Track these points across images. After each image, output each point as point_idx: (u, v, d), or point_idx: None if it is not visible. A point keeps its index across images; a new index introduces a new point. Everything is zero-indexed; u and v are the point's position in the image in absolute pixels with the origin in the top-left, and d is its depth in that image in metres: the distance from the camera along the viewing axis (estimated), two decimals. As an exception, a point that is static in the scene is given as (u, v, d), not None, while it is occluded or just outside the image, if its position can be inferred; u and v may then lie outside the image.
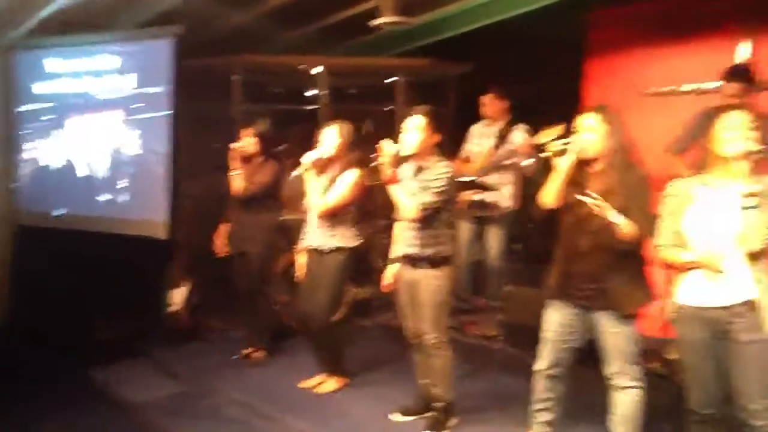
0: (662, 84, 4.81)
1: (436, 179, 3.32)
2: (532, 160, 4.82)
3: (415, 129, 3.35)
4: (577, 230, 2.86)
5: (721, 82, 4.08)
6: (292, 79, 5.82)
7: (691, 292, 2.63)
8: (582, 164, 2.85)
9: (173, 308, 5.21)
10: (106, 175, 5.63)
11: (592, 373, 3.11)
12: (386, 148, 3.27)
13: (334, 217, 3.87)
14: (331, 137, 3.89)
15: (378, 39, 6.17)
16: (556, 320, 2.99)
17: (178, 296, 5.22)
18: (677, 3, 4.77)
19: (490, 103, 5.22)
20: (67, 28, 5.33)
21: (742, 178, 2.48)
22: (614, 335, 2.86)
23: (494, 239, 5.20)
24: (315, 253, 3.97)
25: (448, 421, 3.53)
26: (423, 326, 3.45)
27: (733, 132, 2.51)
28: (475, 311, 5.32)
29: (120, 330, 5.06)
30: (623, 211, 2.67)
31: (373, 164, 3.35)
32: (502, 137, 5.13)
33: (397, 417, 3.67)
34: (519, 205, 5.09)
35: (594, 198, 2.68)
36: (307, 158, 3.79)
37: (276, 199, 4.61)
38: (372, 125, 6.07)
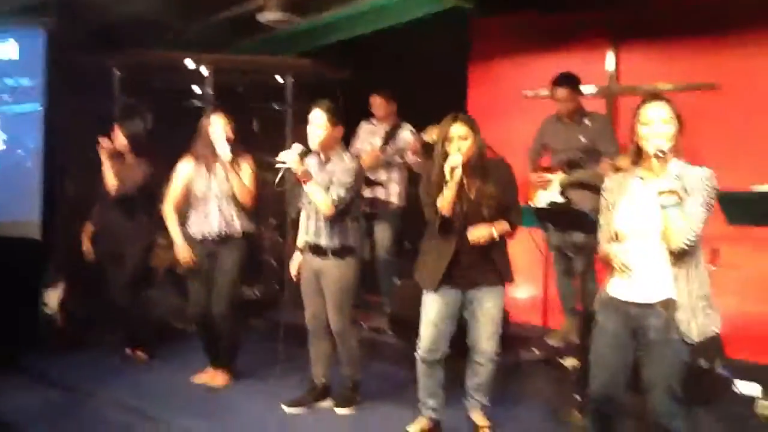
0: (539, 88, 5.11)
1: (346, 173, 3.46)
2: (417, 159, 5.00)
3: (318, 123, 3.47)
4: (460, 226, 3.14)
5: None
6: (178, 75, 5.67)
7: (615, 285, 2.62)
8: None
9: (48, 310, 4.93)
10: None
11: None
12: (287, 155, 3.37)
13: (239, 206, 3.93)
14: (225, 127, 3.89)
15: (271, 39, 6.15)
16: (434, 306, 3.21)
17: (53, 297, 4.95)
18: (551, 14, 5.08)
19: (379, 103, 5.34)
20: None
21: (661, 174, 2.45)
22: (495, 308, 3.20)
23: (383, 234, 5.31)
24: (216, 242, 3.93)
25: (357, 397, 3.75)
26: (329, 314, 3.57)
27: (648, 127, 2.48)
28: (365, 306, 5.41)
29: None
30: (503, 207, 3.10)
31: (277, 167, 3.40)
32: (390, 136, 5.27)
33: (290, 409, 3.70)
34: (407, 202, 5.23)
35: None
36: (224, 151, 3.80)
37: (153, 198, 4.45)
38: (259, 124, 6.03)
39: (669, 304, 2.45)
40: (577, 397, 3.49)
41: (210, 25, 5.69)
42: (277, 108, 5.81)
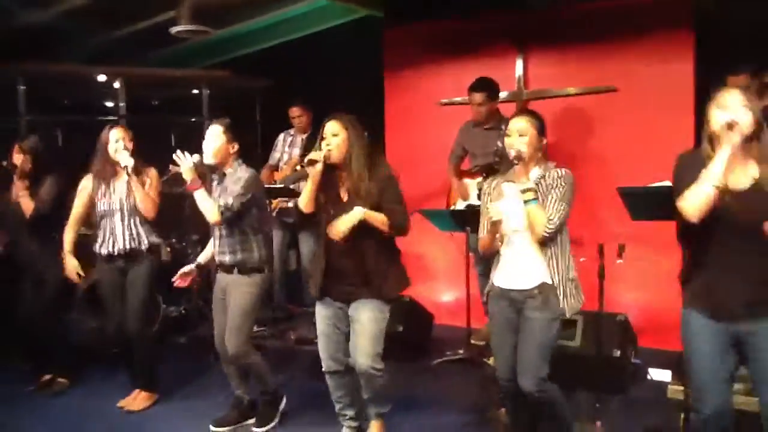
0: (452, 95, 5.25)
1: (236, 183, 3.42)
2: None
3: (213, 138, 3.44)
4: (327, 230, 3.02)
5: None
6: (88, 89, 5.50)
7: (498, 275, 2.92)
8: (335, 169, 3.04)
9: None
10: None
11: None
12: (184, 158, 3.35)
13: (143, 219, 3.84)
14: (125, 139, 3.81)
15: (185, 51, 6.07)
16: (321, 317, 3.16)
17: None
18: (462, 22, 5.26)
19: (297, 114, 5.36)
20: None
21: (524, 177, 2.80)
22: (371, 323, 3.03)
23: (306, 245, 5.32)
24: (123, 258, 3.84)
25: (275, 413, 3.64)
26: (226, 333, 3.45)
27: (510, 138, 2.84)
28: (291, 318, 5.40)
29: None
30: (377, 206, 2.96)
31: (171, 172, 3.39)
32: (308, 146, 5.28)
33: (216, 429, 3.61)
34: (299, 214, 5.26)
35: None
36: (127, 162, 3.70)
37: (61, 216, 4.28)
38: (176, 137, 5.92)
39: (544, 287, 2.79)
40: (502, 394, 3.59)
41: (122, 37, 5.56)
42: (194, 120, 5.73)
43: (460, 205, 4.71)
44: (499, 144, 4.56)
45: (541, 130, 2.88)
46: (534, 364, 2.78)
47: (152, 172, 3.90)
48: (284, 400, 3.72)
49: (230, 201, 3.37)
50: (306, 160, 2.99)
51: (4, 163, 4.17)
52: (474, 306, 4.46)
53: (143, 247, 3.85)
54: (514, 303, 2.85)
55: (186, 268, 3.63)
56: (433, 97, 5.43)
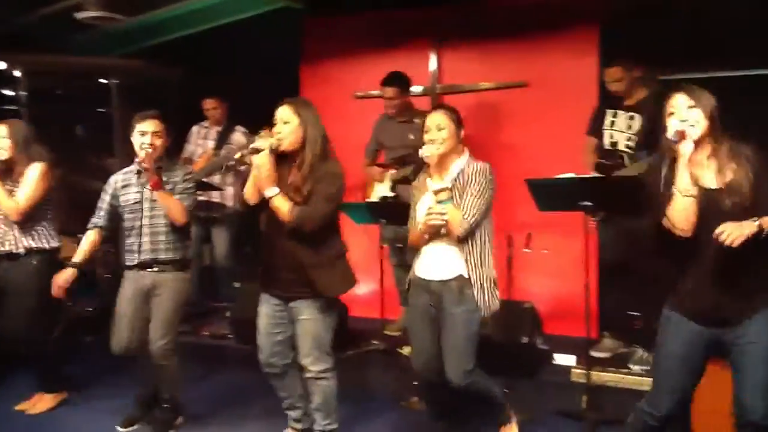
0: (367, 88, 5.27)
1: (186, 182, 3.39)
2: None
3: (154, 134, 3.33)
4: (273, 223, 2.93)
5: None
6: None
7: (420, 267, 2.96)
8: (286, 158, 2.91)
9: None
10: None
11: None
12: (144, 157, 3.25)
13: (29, 218, 3.66)
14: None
15: (95, 39, 5.83)
16: (262, 314, 3.08)
17: None
18: (379, 16, 5.29)
19: (211, 106, 5.26)
20: None
21: (443, 173, 2.83)
22: (311, 323, 2.95)
23: (220, 239, 5.24)
24: (6, 260, 3.67)
25: (174, 421, 3.55)
26: (156, 331, 3.35)
27: (429, 133, 2.87)
28: (205, 313, 5.30)
29: None
30: (308, 198, 2.84)
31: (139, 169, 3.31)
32: (223, 138, 5.22)
33: (123, 429, 3.54)
34: (243, 205, 5.18)
35: None
36: None
37: None
38: (83, 129, 5.70)
39: (461, 279, 2.83)
40: (416, 383, 3.66)
41: (25, 23, 5.29)
42: (102, 111, 5.53)
43: (376, 198, 4.75)
44: (412, 137, 4.67)
45: (459, 123, 2.92)
46: (459, 358, 2.82)
47: (31, 168, 3.65)
48: (180, 419, 3.60)
49: (190, 202, 3.39)
50: (250, 147, 2.82)
51: None
52: (388, 297, 4.52)
53: (20, 250, 3.66)
54: (432, 294, 2.89)
55: (63, 274, 3.46)
56: (350, 89, 5.44)
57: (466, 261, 2.82)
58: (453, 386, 2.85)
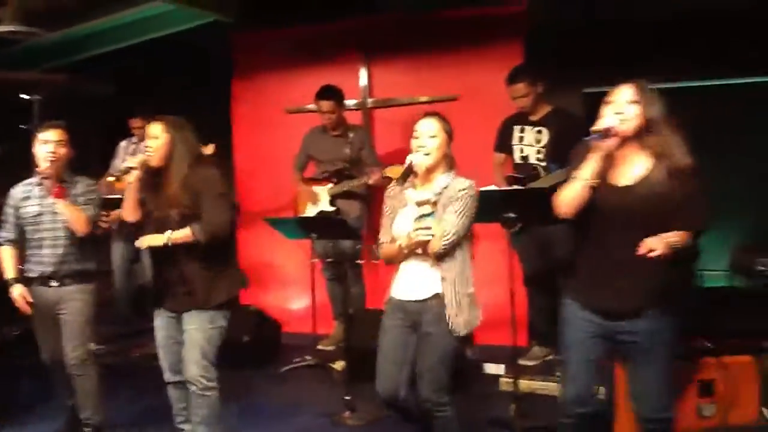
0: (299, 102, 5.27)
1: (91, 192, 3.38)
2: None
3: (58, 143, 3.27)
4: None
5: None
6: None
7: (397, 288, 2.82)
8: (160, 172, 2.93)
9: None
10: None
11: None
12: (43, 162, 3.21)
13: None
14: None
15: (19, 53, 5.67)
16: (158, 328, 3.06)
17: None
18: (309, 32, 5.31)
19: (138, 123, 5.18)
20: None
21: (427, 185, 2.72)
22: (197, 334, 2.92)
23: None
24: None
25: None
26: (69, 346, 3.30)
27: (416, 140, 2.72)
28: (136, 333, 5.17)
29: None
30: (195, 207, 2.85)
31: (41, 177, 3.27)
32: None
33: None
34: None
35: None
36: None
37: None
38: (3, 146, 5.50)
39: (437, 299, 2.69)
40: (347, 397, 3.65)
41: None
42: (23, 128, 5.34)
43: (310, 212, 4.73)
44: (347, 150, 4.68)
45: (450, 135, 2.77)
46: (435, 377, 2.69)
47: None
48: None
49: (93, 211, 3.34)
50: (123, 167, 2.90)
51: None
52: (320, 312, 4.52)
53: None
54: (410, 315, 2.76)
55: (21, 295, 3.33)
56: (281, 103, 5.44)
57: (444, 279, 2.69)
58: (425, 406, 2.73)
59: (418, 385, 2.74)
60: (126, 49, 5.55)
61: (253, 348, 4.34)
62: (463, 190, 2.68)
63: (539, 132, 4.14)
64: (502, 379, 3.84)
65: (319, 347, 4.56)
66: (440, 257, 2.66)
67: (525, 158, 4.19)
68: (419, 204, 2.67)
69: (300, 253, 4.78)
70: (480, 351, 4.04)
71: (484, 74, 4.83)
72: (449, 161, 2.79)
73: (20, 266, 3.40)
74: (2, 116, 5.53)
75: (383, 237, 2.87)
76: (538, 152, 4.14)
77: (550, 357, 4.22)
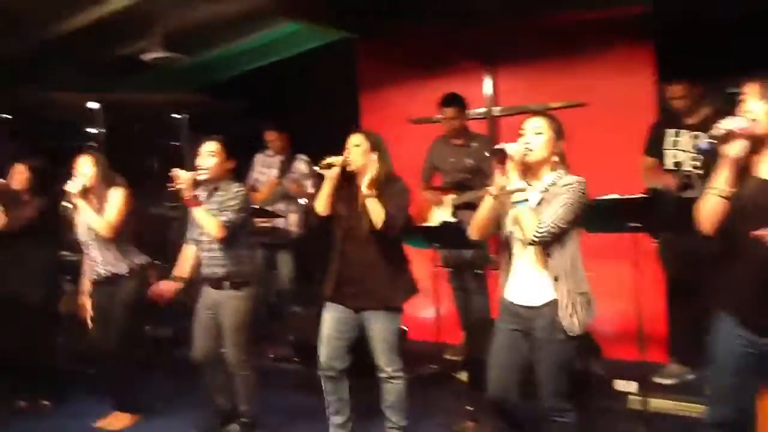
0: (423, 112, 5.33)
1: (233, 198, 3.54)
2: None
3: (209, 154, 3.54)
4: (345, 237, 3.26)
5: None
6: (70, 115, 5.63)
7: (508, 289, 2.80)
8: (353, 178, 3.23)
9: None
10: None
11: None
12: (182, 173, 3.44)
13: (112, 241, 3.89)
14: (85, 167, 3.89)
15: (164, 77, 6.19)
16: (329, 320, 3.30)
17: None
18: (430, 41, 5.35)
19: (273, 137, 5.45)
20: None
21: (535, 182, 2.70)
22: (380, 330, 3.23)
23: (284, 264, 5.41)
24: (108, 282, 3.94)
25: None
26: (225, 347, 3.58)
27: (524, 136, 2.71)
28: (269, 335, 5.46)
29: None
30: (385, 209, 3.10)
31: (171, 189, 3.47)
32: (286, 167, 5.38)
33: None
34: (306, 231, 5.35)
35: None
36: (73, 187, 3.77)
37: (49, 236, 4.41)
38: (158, 161, 6.04)
39: (551, 305, 2.64)
40: (469, 408, 3.65)
41: (101, 63, 5.67)
42: (174, 144, 5.83)
43: (435, 220, 4.77)
44: (470, 161, 4.67)
45: (559, 134, 2.75)
46: (554, 384, 2.71)
47: (112, 193, 3.92)
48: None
49: (231, 216, 3.48)
50: (323, 162, 3.14)
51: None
52: (445, 321, 4.53)
53: (119, 271, 3.92)
54: (521, 320, 2.74)
55: (168, 284, 3.70)
56: (406, 114, 5.51)
57: (557, 279, 2.63)
58: (546, 415, 2.75)
59: (539, 393, 2.73)
60: (260, 69, 5.90)
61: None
62: (569, 185, 2.64)
63: (696, 137, 3.83)
64: (631, 397, 3.67)
65: (447, 356, 4.56)
66: (547, 254, 2.63)
67: (678, 164, 3.94)
68: (509, 192, 2.63)
69: (425, 261, 4.81)
70: (607, 365, 3.90)
71: (612, 79, 4.66)
72: (560, 160, 2.75)
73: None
74: (156, 134, 6.08)
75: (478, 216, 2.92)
76: (694, 158, 3.86)
77: (689, 376, 3.97)
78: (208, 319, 3.62)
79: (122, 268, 3.94)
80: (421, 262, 5.01)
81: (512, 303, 2.77)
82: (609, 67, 4.68)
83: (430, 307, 4.71)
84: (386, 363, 3.27)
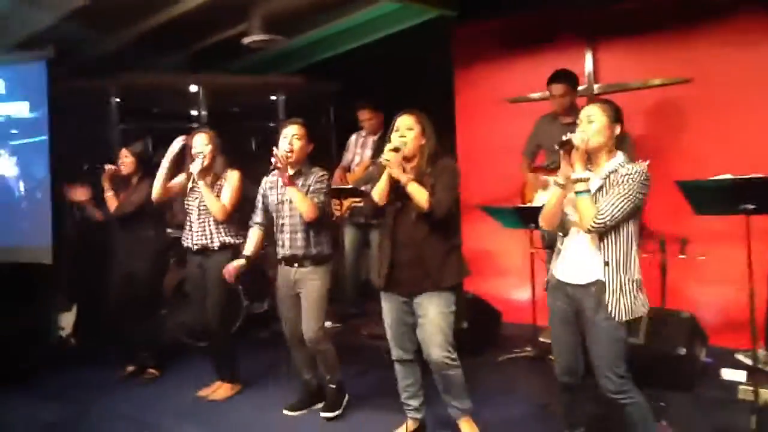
0: (520, 91, 5.22)
1: (320, 182, 3.62)
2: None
3: (294, 137, 3.60)
4: (396, 222, 3.16)
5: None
6: (174, 99, 5.86)
7: (558, 268, 2.85)
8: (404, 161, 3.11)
9: (63, 332, 5.12)
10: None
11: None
12: (281, 154, 3.50)
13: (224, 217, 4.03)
14: (202, 144, 4.02)
15: (262, 60, 6.35)
16: (388, 310, 3.26)
17: (67, 319, 5.14)
18: (529, 19, 5.23)
19: (365, 115, 5.48)
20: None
21: (595, 168, 2.71)
22: (433, 314, 3.11)
23: (377, 243, 5.42)
24: (200, 254, 4.08)
25: (342, 399, 3.81)
26: (304, 322, 3.64)
27: (581, 125, 2.73)
28: (363, 313, 5.53)
29: (4, 359, 4.91)
30: (432, 191, 3.01)
31: (271, 167, 3.54)
32: (380, 147, 5.38)
33: (289, 413, 3.84)
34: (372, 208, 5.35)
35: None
36: (195, 167, 3.92)
37: (157, 216, 4.64)
38: (256, 142, 6.20)
39: (598, 285, 2.68)
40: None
41: (201, 49, 5.88)
42: (271, 125, 5.97)
43: (538, 201, 4.66)
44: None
45: (615, 119, 2.74)
46: (609, 365, 2.69)
47: (230, 175, 4.07)
48: (347, 396, 3.86)
49: (322, 198, 3.59)
50: (389, 147, 3.03)
51: (108, 167, 4.58)
52: (541, 304, 4.45)
53: (214, 246, 4.05)
54: (570, 298, 2.79)
55: (236, 262, 3.82)
56: (503, 93, 5.41)
57: (607, 264, 2.67)
58: (607, 399, 2.74)
59: (596, 375, 2.74)
60: (354, 48, 5.93)
61: (471, 335, 4.41)
62: (629, 174, 2.63)
63: None
64: (741, 387, 3.49)
65: (541, 339, 4.49)
66: (602, 238, 2.65)
67: None
68: (574, 182, 2.64)
69: (521, 243, 4.75)
70: (715, 353, 3.74)
71: (720, 54, 4.40)
72: (619, 145, 2.78)
73: (262, 248, 3.83)
74: (254, 116, 6.24)
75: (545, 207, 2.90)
76: None
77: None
78: (290, 297, 3.72)
79: (214, 243, 4.06)
80: (517, 243, 4.99)
81: (559, 281, 2.82)
82: (717, 42, 4.41)
83: (525, 289, 4.66)
84: (441, 349, 3.11)
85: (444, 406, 3.31)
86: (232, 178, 4.07)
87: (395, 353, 3.32)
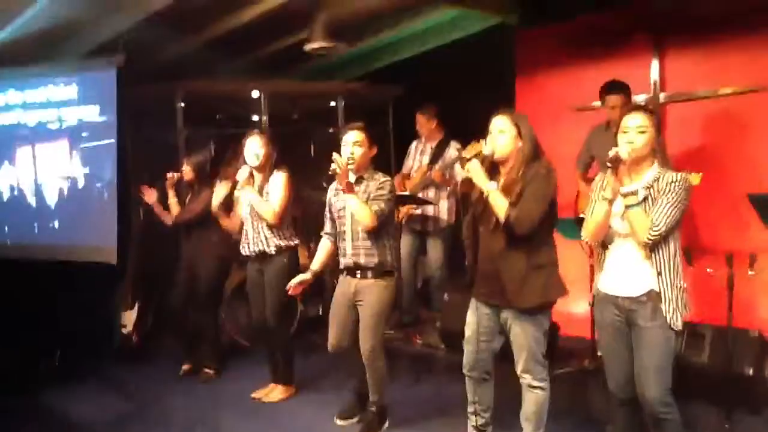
0: (584, 99, 5.11)
1: (381, 188, 3.50)
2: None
3: (354, 143, 3.54)
4: (480, 231, 3.03)
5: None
6: (237, 104, 5.97)
7: (605, 280, 2.81)
8: (496, 165, 2.98)
9: (125, 330, 5.29)
10: (54, 204, 5.72)
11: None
12: (340, 159, 3.43)
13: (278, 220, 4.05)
14: (257, 146, 4.06)
15: (324, 66, 6.43)
16: (471, 320, 3.14)
17: (129, 318, 5.31)
18: (593, 23, 5.11)
19: (422, 122, 5.47)
20: (8, 61, 5.40)
21: (636, 179, 2.68)
22: (518, 333, 2.97)
23: (435, 251, 5.42)
24: (258, 259, 4.13)
25: (381, 425, 3.71)
26: (362, 334, 3.55)
27: (622, 136, 2.70)
28: (419, 322, 5.51)
29: (70, 354, 5.10)
30: (519, 198, 2.84)
31: (330, 173, 3.48)
32: (437, 154, 5.39)
33: (340, 422, 3.83)
34: (457, 218, 5.32)
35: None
36: (241, 175, 3.99)
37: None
38: (315, 148, 6.26)
39: (653, 295, 2.67)
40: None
41: (263, 55, 5.98)
42: (331, 131, 6.02)
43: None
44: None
45: (658, 129, 2.76)
46: (658, 376, 2.66)
47: (277, 177, 4.08)
48: (387, 423, 3.74)
49: (382, 205, 3.45)
50: (465, 152, 2.93)
51: (170, 175, 4.71)
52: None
53: (271, 250, 4.10)
54: (621, 310, 2.74)
55: (300, 277, 3.76)
56: (565, 101, 5.31)
57: (660, 274, 2.65)
58: (648, 410, 2.69)
59: (638, 386, 2.69)
60: (415, 55, 5.93)
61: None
62: (675, 182, 2.64)
63: None
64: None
65: (600, 353, 4.37)
66: (651, 248, 2.64)
67: None
68: (624, 195, 2.62)
69: (578, 254, 4.64)
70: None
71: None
72: (660, 155, 2.80)
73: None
74: (314, 121, 6.31)
75: (586, 221, 2.87)
76: None
77: None
78: (347, 308, 3.61)
79: (270, 247, 4.09)
80: (573, 254, 4.87)
81: (608, 294, 2.78)
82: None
83: (583, 302, 4.55)
84: (524, 370, 3.00)
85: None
86: (278, 179, 4.08)
87: (467, 368, 3.20)
